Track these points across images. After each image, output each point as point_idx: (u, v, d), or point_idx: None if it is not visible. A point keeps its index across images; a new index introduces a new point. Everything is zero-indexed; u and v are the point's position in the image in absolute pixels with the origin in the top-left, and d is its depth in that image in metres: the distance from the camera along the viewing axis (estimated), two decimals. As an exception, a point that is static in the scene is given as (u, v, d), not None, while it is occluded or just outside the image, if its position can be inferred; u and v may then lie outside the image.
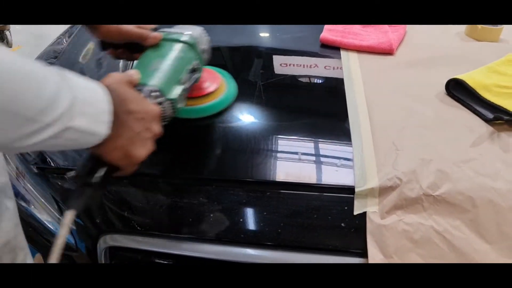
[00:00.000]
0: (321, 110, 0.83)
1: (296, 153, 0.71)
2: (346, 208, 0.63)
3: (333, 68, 0.94)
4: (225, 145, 0.73)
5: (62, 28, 1.17)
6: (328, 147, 0.74)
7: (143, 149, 0.53)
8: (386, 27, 1.03)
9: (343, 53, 0.97)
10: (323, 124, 0.78)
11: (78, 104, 0.43)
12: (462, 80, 0.79)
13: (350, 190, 0.64)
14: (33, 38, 3.47)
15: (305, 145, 0.73)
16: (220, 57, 1.01)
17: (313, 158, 0.71)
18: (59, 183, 0.71)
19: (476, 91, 0.77)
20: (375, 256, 0.59)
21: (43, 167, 0.73)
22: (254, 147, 0.72)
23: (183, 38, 0.66)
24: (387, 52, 0.96)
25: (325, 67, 0.94)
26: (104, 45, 0.69)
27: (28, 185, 0.75)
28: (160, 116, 0.56)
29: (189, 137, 0.75)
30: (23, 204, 0.75)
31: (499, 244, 0.59)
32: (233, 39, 1.06)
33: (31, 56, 1.07)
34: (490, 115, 0.74)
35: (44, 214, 0.74)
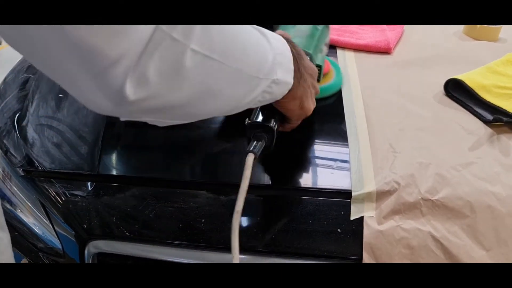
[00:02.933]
0: (316, 111, 0.81)
1: (291, 156, 0.69)
2: (342, 212, 0.61)
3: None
4: (217, 148, 0.71)
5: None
6: (324, 149, 0.72)
7: (312, 103, 0.56)
8: (383, 26, 1.01)
9: (339, 52, 0.95)
10: (319, 125, 0.76)
11: (276, 55, 0.45)
12: (461, 81, 0.77)
13: (347, 194, 0.62)
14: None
15: (300, 147, 0.71)
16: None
17: (309, 161, 0.69)
18: (46, 186, 0.69)
19: (475, 92, 0.76)
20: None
21: (29, 170, 0.71)
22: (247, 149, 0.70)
23: None
24: (385, 51, 0.94)
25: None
26: None
27: (14, 188, 0.73)
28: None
29: (178, 140, 0.73)
30: (9, 207, 0.73)
31: (496, 251, 0.58)
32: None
33: (18, 55, 1.05)
34: (489, 117, 0.73)
35: (30, 218, 0.71)
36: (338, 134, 0.72)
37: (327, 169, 0.67)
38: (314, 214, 0.62)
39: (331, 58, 0.93)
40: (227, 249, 0.61)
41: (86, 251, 0.64)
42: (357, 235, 0.59)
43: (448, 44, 0.99)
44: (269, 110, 0.54)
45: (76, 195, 0.66)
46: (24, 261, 0.73)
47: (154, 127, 0.62)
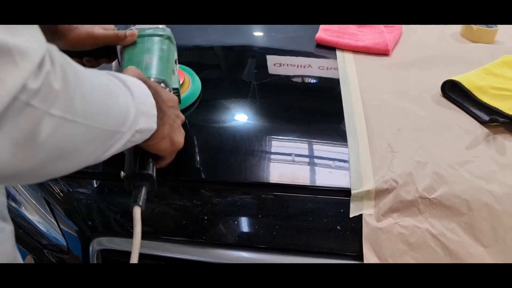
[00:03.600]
0: (316, 111, 0.82)
1: (291, 154, 0.70)
2: (341, 210, 0.63)
3: (328, 69, 0.93)
4: (218, 147, 0.72)
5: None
6: (323, 149, 0.73)
7: (180, 135, 0.56)
8: (381, 27, 1.03)
9: (338, 53, 0.97)
10: (319, 125, 0.78)
11: (139, 105, 0.44)
12: (458, 82, 0.79)
13: (346, 192, 0.63)
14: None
15: (301, 146, 0.73)
16: (214, 57, 1.01)
17: (309, 159, 0.70)
18: (51, 184, 0.70)
19: (472, 93, 0.77)
20: (370, 259, 0.59)
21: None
22: (248, 148, 0.71)
23: (160, 32, 0.66)
24: (383, 52, 0.95)
25: (320, 68, 0.94)
26: (68, 54, 0.67)
27: (19, 185, 0.74)
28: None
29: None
30: (14, 205, 0.74)
31: (494, 248, 0.59)
32: (226, 39, 1.05)
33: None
34: (486, 117, 0.74)
35: (35, 216, 0.72)
36: (338, 133, 0.73)
37: (326, 168, 0.68)
38: (314, 212, 0.63)
39: (330, 59, 0.95)
40: (229, 246, 0.62)
41: (90, 248, 0.65)
42: (356, 232, 0.60)
43: (445, 46, 1.01)
44: (142, 154, 0.53)
45: (81, 193, 0.67)
46: (29, 258, 0.74)
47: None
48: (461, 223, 0.60)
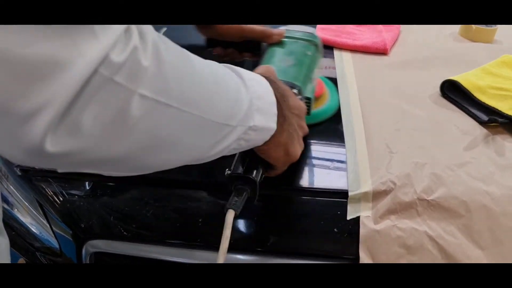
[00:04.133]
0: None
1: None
2: (339, 212, 0.62)
3: (326, 68, 0.92)
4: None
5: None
6: (320, 149, 0.72)
7: (298, 147, 0.52)
8: (380, 26, 1.02)
9: (336, 52, 0.96)
10: (315, 125, 0.77)
11: (254, 100, 0.41)
12: (457, 82, 0.78)
13: (343, 194, 0.62)
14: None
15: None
16: (211, 58, 0.99)
17: (305, 160, 0.69)
18: (43, 186, 0.69)
19: (471, 93, 0.76)
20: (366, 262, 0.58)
21: (26, 169, 0.71)
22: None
23: (309, 37, 0.65)
24: (381, 52, 0.94)
25: (318, 67, 0.92)
26: (213, 42, 0.67)
27: (11, 187, 0.73)
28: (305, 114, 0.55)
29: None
30: (6, 206, 0.73)
31: (492, 250, 0.58)
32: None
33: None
34: (485, 117, 0.73)
35: (27, 218, 0.71)
36: (335, 134, 0.72)
37: (323, 169, 0.67)
38: (310, 214, 0.62)
39: (328, 58, 0.94)
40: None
41: (83, 251, 0.64)
42: (353, 235, 0.60)
43: (444, 46, 1.00)
44: (251, 158, 0.50)
45: (74, 195, 0.66)
46: (21, 260, 0.73)
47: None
48: (459, 225, 0.59)
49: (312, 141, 0.73)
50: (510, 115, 0.71)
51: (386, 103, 0.78)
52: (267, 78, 0.46)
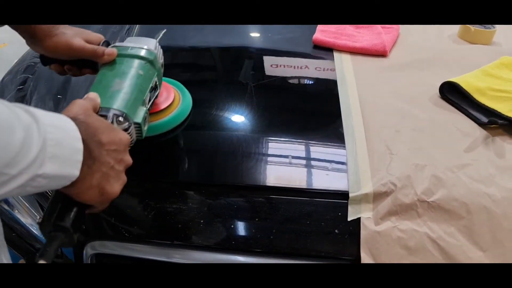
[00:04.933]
0: (314, 113, 0.82)
1: (288, 156, 0.69)
2: (339, 214, 0.62)
3: (325, 70, 0.92)
4: (215, 149, 0.71)
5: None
6: (321, 151, 0.72)
7: (117, 184, 0.48)
8: (379, 28, 1.02)
9: (336, 54, 0.96)
10: (316, 127, 0.77)
11: (48, 147, 0.38)
12: (457, 83, 0.78)
13: (344, 195, 0.62)
14: (19, 36, 3.41)
15: (298, 148, 0.72)
16: (210, 58, 1.00)
17: (306, 162, 0.69)
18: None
19: (470, 95, 0.77)
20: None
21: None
22: (245, 150, 0.70)
23: (142, 54, 0.61)
24: (381, 53, 0.95)
25: (317, 69, 0.93)
26: (46, 59, 0.64)
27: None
28: (129, 145, 0.51)
29: (178, 142, 0.73)
30: (6, 207, 0.73)
31: (493, 251, 0.59)
32: (223, 40, 1.04)
33: (16, 55, 1.05)
34: (484, 119, 0.73)
35: (27, 218, 0.71)
36: (335, 135, 0.72)
37: (324, 170, 0.68)
38: (311, 215, 0.62)
39: (327, 61, 0.94)
40: (226, 250, 0.61)
41: (84, 252, 0.64)
42: (354, 236, 0.60)
43: (443, 47, 1.00)
44: (64, 201, 0.46)
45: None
46: (22, 261, 0.73)
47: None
48: (460, 227, 0.60)
49: (313, 142, 0.73)
50: (510, 117, 0.71)
51: (386, 104, 0.78)
52: (76, 119, 0.44)
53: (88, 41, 0.62)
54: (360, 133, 0.71)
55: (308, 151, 0.72)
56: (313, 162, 0.69)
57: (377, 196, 0.62)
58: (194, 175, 0.67)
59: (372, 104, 0.78)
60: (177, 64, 0.95)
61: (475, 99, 0.76)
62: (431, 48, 0.99)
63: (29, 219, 0.71)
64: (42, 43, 0.59)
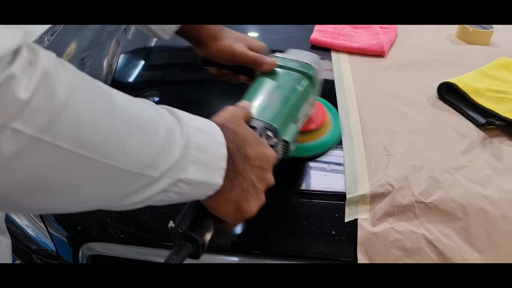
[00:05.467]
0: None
1: (285, 158, 0.69)
2: (336, 215, 0.62)
3: (323, 70, 0.92)
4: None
5: (46, 26, 1.14)
6: (318, 152, 0.72)
7: (255, 203, 0.45)
8: (377, 28, 1.02)
9: (333, 54, 0.96)
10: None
11: (191, 150, 0.36)
12: (454, 84, 0.78)
13: (341, 196, 0.62)
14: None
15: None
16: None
17: (303, 163, 0.69)
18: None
19: (468, 95, 0.77)
20: (365, 265, 0.58)
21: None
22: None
23: (304, 69, 0.59)
24: (379, 54, 0.94)
25: (315, 69, 0.93)
26: (208, 62, 0.65)
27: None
28: (274, 163, 0.48)
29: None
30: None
31: (489, 253, 0.59)
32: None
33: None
34: (482, 120, 0.73)
35: (24, 220, 0.71)
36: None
37: (321, 171, 0.67)
38: (308, 217, 0.62)
39: (325, 61, 0.94)
40: (221, 251, 0.61)
41: (80, 253, 0.64)
42: (351, 237, 0.60)
43: (441, 48, 1.00)
44: (199, 212, 0.45)
45: (71, 197, 0.66)
46: (18, 263, 0.73)
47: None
48: (457, 228, 0.60)
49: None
50: (508, 118, 0.71)
51: (383, 105, 0.78)
52: (223, 126, 0.42)
53: (250, 48, 0.62)
54: (357, 134, 0.71)
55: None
56: (310, 163, 0.69)
57: (374, 197, 0.62)
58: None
59: (370, 105, 0.78)
60: (175, 64, 0.95)
61: (472, 100, 0.76)
62: (429, 49, 0.99)
63: (25, 221, 0.71)
64: (207, 46, 0.61)
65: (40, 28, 1.18)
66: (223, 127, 0.42)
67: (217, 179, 0.39)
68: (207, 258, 0.61)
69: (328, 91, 0.83)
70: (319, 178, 0.66)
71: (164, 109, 0.37)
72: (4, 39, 0.25)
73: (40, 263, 0.70)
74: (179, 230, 0.44)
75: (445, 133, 0.72)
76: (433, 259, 0.58)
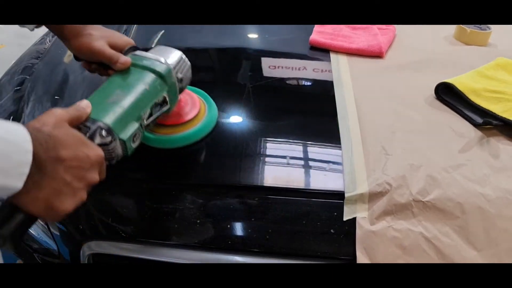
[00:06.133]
0: (310, 114, 0.82)
1: (284, 157, 0.70)
2: (335, 213, 0.62)
3: (322, 71, 0.93)
4: (211, 149, 0.71)
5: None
6: (317, 151, 0.73)
7: (70, 201, 0.47)
8: (375, 29, 1.03)
9: (332, 55, 0.96)
10: (313, 128, 0.77)
11: None
12: (452, 84, 0.79)
13: (340, 195, 0.63)
14: (16, 37, 3.41)
15: (294, 149, 0.72)
16: (208, 59, 1.00)
17: (302, 162, 0.70)
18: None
19: (465, 95, 0.77)
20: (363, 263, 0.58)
21: (24, 171, 0.71)
22: (242, 151, 0.70)
23: (154, 67, 0.60)
24: (377, 55, 0.95)
25: (314, 70, 0.93)
26: (76, 57, 0.65)
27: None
28: (102, 162, 0.50)
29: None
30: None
31: (487, 251, 0.59)
32: (221, 41, 1.04)
33: (14, 56, 1.05)
34: (479, 120, 0.74)
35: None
36: (332, 136, 0.73)
37: (320, 170, 0.68)
38: (307, 215, 0.63)
39: (324, 62, 0.94)
40: (222, 249, 0.62)
41: (81, 252, 0.64)
42: (350, 236, 0.60)
43: (439, 49, 1.01)
44: (10, 209, 0.45)
45: (72, 196, 0.66)
46: (19, 262, 0.73)
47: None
48: (455, 227, 0.60)
49: (309, 142, 0.73)
50: (505, 117, 0.72)
51: (381, 105, 0.79)
52: (40, 130, 0.45)
53: (112, 45, 0.62)
54: (356, 134, 0.72)
55: (304, 151, 0.72)
56: (309, 162, 0.70)
57: (373, 196, 0.62)
58: (190, 176, 0.68)
59: (368, 105, 0.79)
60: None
61: (470, 100, 0.77)
62: (427, 50, 0.99)
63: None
64: (69, 42, 0.61)
65: (42, 30, 1.18)
66: (38, 131, 0.44)
67: (17, 183, 0.41)
68: (207, 257, 0.62)
69: (328, 92, 0.84)
70: (318, 177, 0.67)
71: None
72: None
73: (41, 263, 0.70)
74: None
75: (443, 133, 0.72)
76: (432, 257, 0.58)
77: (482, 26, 1.04)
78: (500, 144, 0.70)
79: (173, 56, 0.64)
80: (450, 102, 0.79)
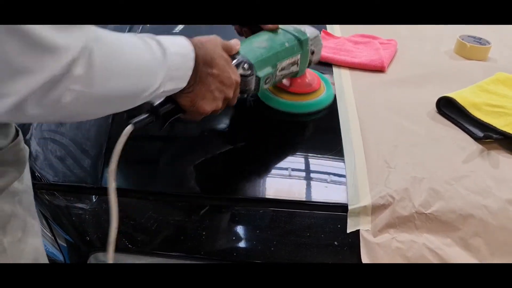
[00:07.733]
0: (313, 127, 0.83)
1: (288, 169, 0.71)
2: (339, 226, 0.63)
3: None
4: (215, 161, 0.72)
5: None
6: (320, 164, 0.74)
7: (209, 105, 0.60)
8: (377, 44, 1.04)
9: (335, 69, 0.98)
10: (315, 141, 0.78)
11: (170, 72, 0.50)
12: (453, 98, 0.80)
13: (343, 208, 0.64)
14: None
15: (298, 161, 0.73)
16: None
17: (306, 175, 0.71)
18: (49, 199, 0.70)
19: (466, 110, 0.78)
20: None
21: (32, 183, 0.72)
22: (247, 163, 0.71)
23: (296, 33, 0.73)
24: (379, 69, 0.97)
25: (317, 84, 0.95)
26: None
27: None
28: (237, 85, 0.62)
29: (181, 155, 0.74)
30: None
31: (489, 262, 0.60)
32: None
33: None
34: (480, 134, 0.75)
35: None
36: (335, 149, 0.74)
37: (323, 183, 0.69)
38: (311, 227, 0.64)
39: (327, 76, 0.96)
40: (229, 261, 0.62)
41: (88, 263, 0.65)
42: (353, 248, 0.61)
43: (439, 63, 1.02)
44: (167, 98, 0.58)
45: (79, 208, 0.67)
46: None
47: (158, 140, 0.63)
48: (456, 239, 0.61)
49: (313, 156, 0.74)
50: (505, 131, 0.73)
51: (384, 119, 0.80)
52: (201, 44, 0.57)
53: None
54: (358, 147, 0.73)
55: (307, 164, 0.73)
56: (312, 175, 0.71)
57: (376, 209, 0.63)
58: (196, 188, 0.69)
59: (371, 119, 0.80)
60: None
61: (471, 114, 0.78)
62: (428, 64, 1.01)
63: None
64: None
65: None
66: (201, 44, 0.57)
67: (182, 84, 0.55)
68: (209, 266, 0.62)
69: (330, 105, 0.85)
70: (321, 190, 0.68)
71: (154, 41, 0.49)
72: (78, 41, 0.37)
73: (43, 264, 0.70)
74: (151, 104, 0.58)
75: (445, 146, 0.73)
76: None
77: (482, 40, 1.05)
78: (501, 156, 0.71)
79: (312, 32, 0.76)
80: (451, 116, 0.80)
